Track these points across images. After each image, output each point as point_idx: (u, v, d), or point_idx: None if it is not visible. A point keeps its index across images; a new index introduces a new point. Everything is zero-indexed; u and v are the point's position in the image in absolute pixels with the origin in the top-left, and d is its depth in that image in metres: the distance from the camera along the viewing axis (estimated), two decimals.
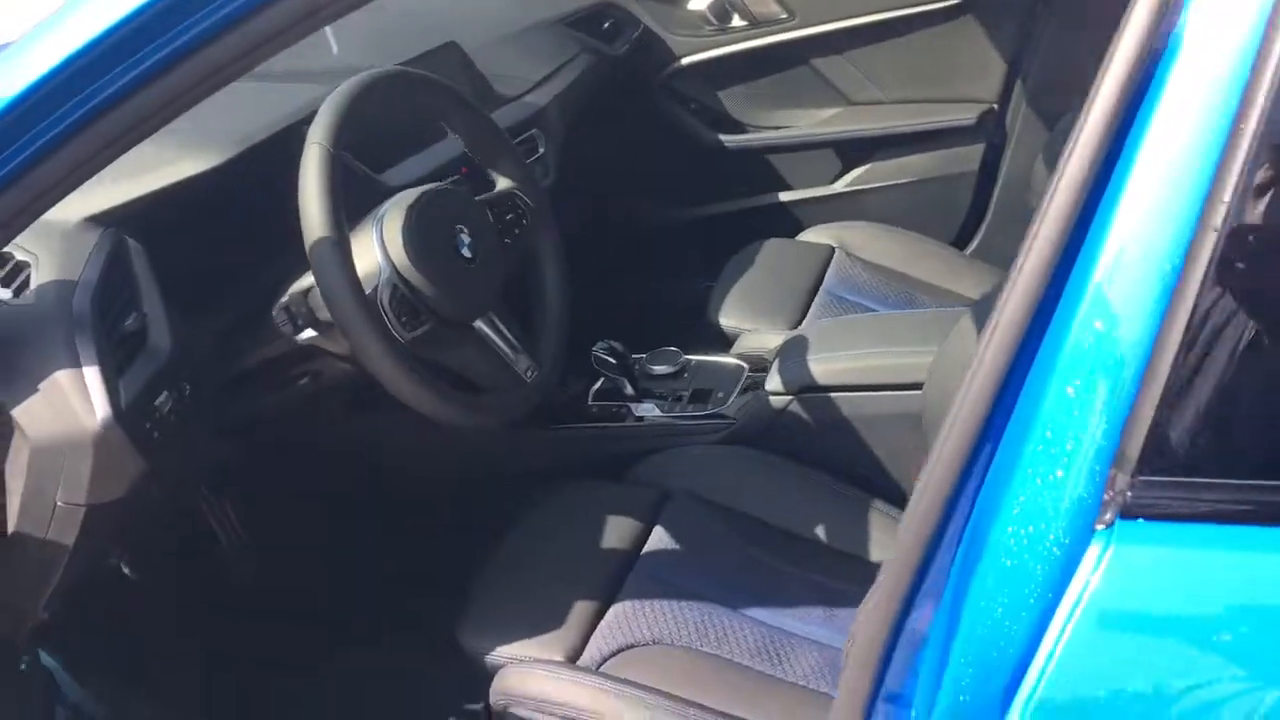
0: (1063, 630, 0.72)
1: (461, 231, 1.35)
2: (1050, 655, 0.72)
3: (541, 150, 1.92)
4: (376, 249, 1.28)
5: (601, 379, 1.84)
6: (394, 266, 1.27)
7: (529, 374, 1.44)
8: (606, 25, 2.35)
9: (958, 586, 0.81)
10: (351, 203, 1.38)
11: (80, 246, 1.22)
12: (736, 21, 2.39)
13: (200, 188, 1.35)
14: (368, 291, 1.25)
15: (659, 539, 1.54)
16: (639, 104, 2.42)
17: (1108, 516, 0.72)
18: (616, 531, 1.54)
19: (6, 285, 1.19)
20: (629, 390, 1.80)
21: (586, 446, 1.82)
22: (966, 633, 0.80)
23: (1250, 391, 0.72)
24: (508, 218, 1.47)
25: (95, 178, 1.06)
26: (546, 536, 1.57)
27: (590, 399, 1.84)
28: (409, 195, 1.34)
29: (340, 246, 1.19)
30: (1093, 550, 0.72)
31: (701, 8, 2.39)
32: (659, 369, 1.85)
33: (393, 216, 1.31)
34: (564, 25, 2.25)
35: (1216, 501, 0.71)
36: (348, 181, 1.42)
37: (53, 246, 1.21)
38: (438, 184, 1.43)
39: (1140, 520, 0.71)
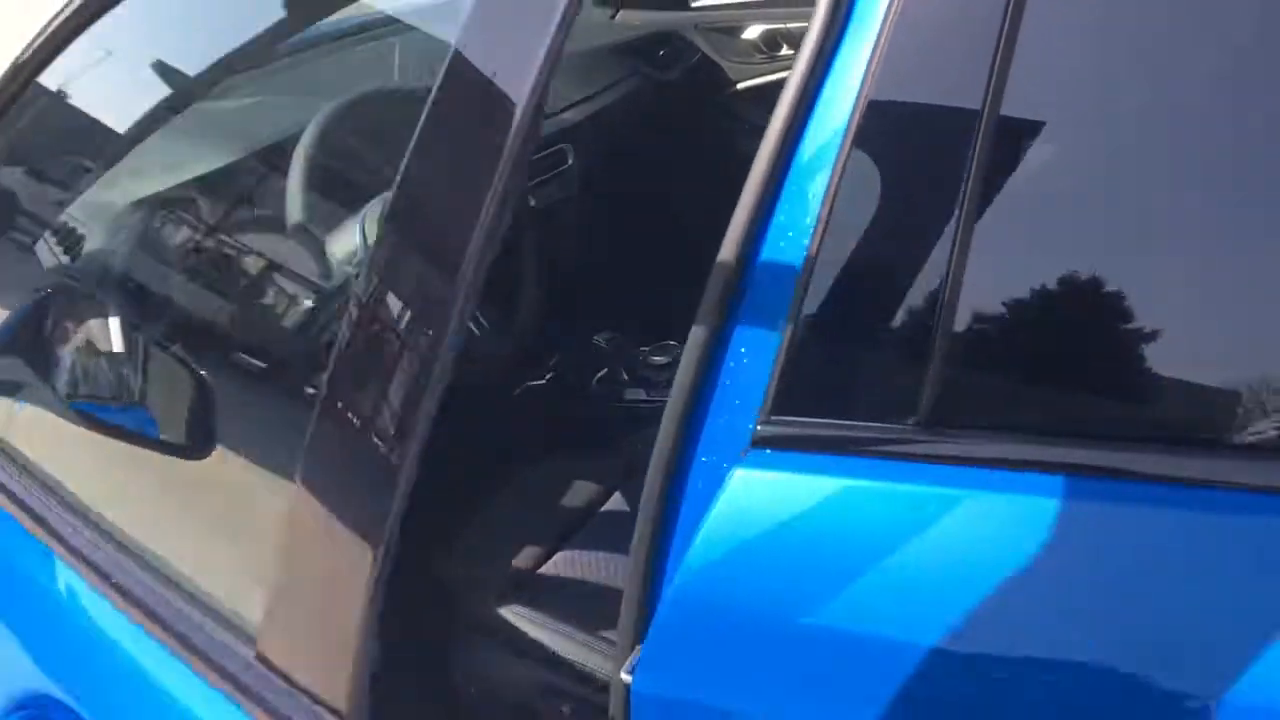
0: (698, 537, 0.92)
1: None
2: (689, 558, 0.93)
3: (570, 162, 2.17)
4: (357, 233, 1.56)
5: (606, 367, 2.08)
6: (367, 246, 1.55)
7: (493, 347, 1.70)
8: (663, 52, 2.58)
9: (679, 507, 1.02)
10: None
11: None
12: (785, 50, 2.59)
13: (216, 178, 1.67)
14: (345, 266, 1.53)
15: (616, 501, 1.76)
16: (691, 124, 2.64)
17: (748, 447, 0.92)
18: (582, 493, 1.78)
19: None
20: (625, 376, 2.04)
21: (584, 423, 2.06)
22: (677, 543, 1.01)
23: (854, 353, 0.91)
24: None
25: (143, 170, 1.37)
26: (525, 493, 1.82)
27: (594, 383, 2.09)
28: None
29: (309, 229, 1.48)
30: (733, 473, 0.92)
31: (754, 37, 2.60)
32: (658, 359, 2.08)
33: (374, 209, 1.58)
34: (616, 51, 2.49)
35: (825, 437, 0.90)
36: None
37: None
38: None
39: (766, 450, 0.91)
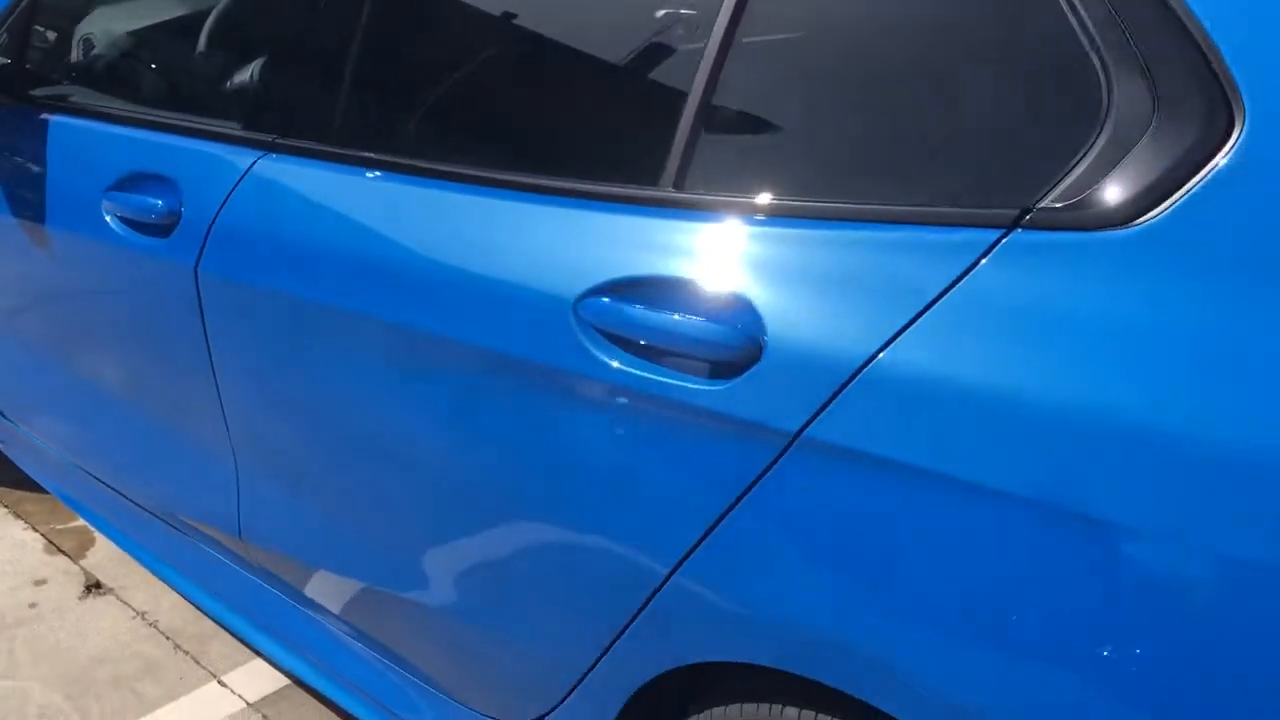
0: (240, 187, 1.86)
1: None
2: (235, 198, 1.86)
3: None
4: (248, 73, 2.54)
5: None
6: (252, 81, 2.53)
7: None
8: None
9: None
10: None
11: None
12: None
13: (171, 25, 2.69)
14: (235, 89, 2.52)
15: None
16: None
17: (269, 151, 1.86)
18: None
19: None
20: None
21: None
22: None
23: (329, 104, 1.83)
24: None
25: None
26: None
27: None
28: None
29: (208, 55, 2.47)
30: (259, 162, 1.85)
31: None
32: None
33: (259, 62, 2.48)
34: None
35: (299, 148, 1.81)
36: None
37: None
38: None
39: (272, 153, 1.84)
